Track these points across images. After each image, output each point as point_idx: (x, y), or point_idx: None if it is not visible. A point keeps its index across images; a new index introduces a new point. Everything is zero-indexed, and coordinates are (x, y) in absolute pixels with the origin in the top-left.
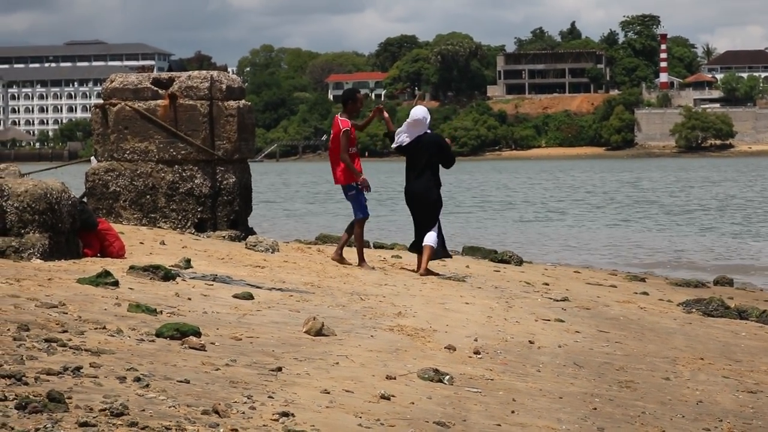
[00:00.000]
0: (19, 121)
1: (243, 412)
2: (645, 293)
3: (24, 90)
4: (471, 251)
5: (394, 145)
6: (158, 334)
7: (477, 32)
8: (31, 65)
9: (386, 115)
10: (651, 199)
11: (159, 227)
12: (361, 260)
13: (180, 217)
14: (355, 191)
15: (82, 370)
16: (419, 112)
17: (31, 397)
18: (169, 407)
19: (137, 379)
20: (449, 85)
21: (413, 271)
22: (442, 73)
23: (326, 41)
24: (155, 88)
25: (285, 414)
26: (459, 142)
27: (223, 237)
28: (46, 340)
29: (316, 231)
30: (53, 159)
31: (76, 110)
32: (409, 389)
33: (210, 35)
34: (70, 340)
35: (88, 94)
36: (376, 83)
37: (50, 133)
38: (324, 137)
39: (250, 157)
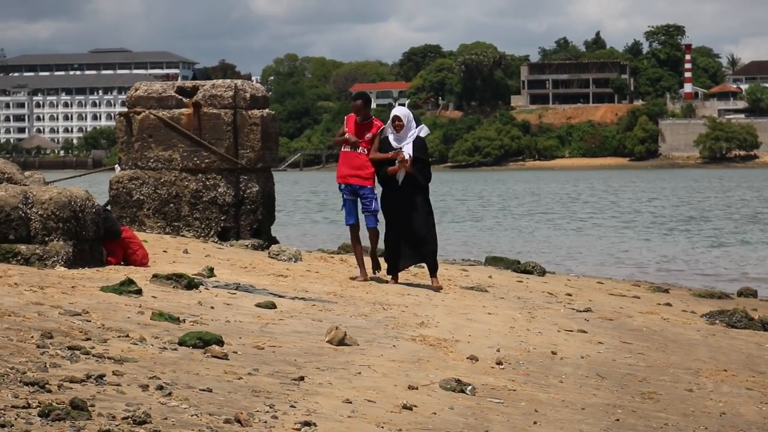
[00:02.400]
0: (43, 129)
1: (265, 422)
2: (668, 304)
3: (49, 98)
4: (494, 261)
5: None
6: (181, 343)
7: (501, 42)
8: (56, 73)
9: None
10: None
11: (182, 236)
12: (362, 269)
13: (203, 226)
14: (340, 192)
15: (105, 378)
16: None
17: (54, 404)
18: (192, 416)
19: (160, 388)
20: (473, 95)
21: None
22: (465, 83)
23: (350, 50)
24: (179, 97)
25: (307, 423)
26: (482, 152)
27: (246, 246)
28: (70, 348)
29: (339, 240)
30: (77, 167)
31: (100, 118)
32: (431, 399)
33: (234, 44)
34: (93, 348)
35: (112, 102)
36: (399, 93)
37: (75, 141)
38: None
39: (274, 166)
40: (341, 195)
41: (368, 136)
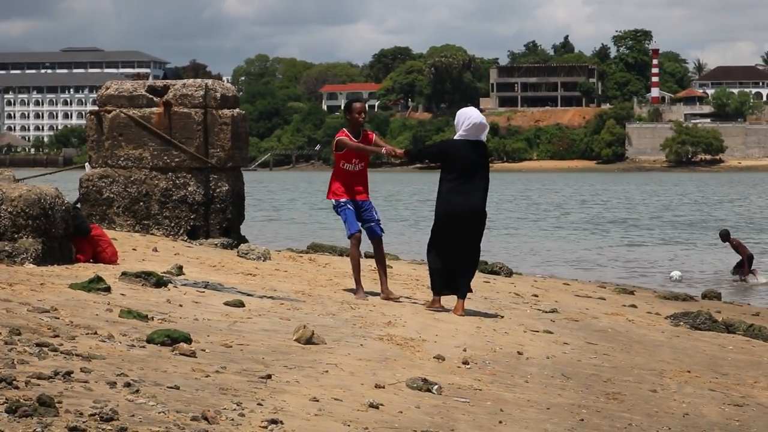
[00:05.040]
0: (14, 127)
1: (232, 419)
2: (633, 306)
3: (20, 96)
4: None
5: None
6: (149, 340)
7: (470, 45)
8: (28, 71)
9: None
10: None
11: (152, 234)
12: (357, 287)
13: (173, 224)
14: (337, 207)
15: (72, 375)
16: (477, 113)
17: (21, 401)
18: (159, 413)
19: (127, 385)
20: (442, 97)
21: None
22: (435, 85)
23: (319, 52)
24: (150, 96)
25: (274, 421)
26: None
27: (215, 244)
28: (38, 345)
29: (308, 240)
30: (48, 165)
31: (71, 117)
32: (397, 398)
33: (205, 44)
34: (62, 344)
35: (83, 100)
36: (369, 94)
37: (45, 139)
38: (318, 147)
39: (244, 166)
40: (339, 209)
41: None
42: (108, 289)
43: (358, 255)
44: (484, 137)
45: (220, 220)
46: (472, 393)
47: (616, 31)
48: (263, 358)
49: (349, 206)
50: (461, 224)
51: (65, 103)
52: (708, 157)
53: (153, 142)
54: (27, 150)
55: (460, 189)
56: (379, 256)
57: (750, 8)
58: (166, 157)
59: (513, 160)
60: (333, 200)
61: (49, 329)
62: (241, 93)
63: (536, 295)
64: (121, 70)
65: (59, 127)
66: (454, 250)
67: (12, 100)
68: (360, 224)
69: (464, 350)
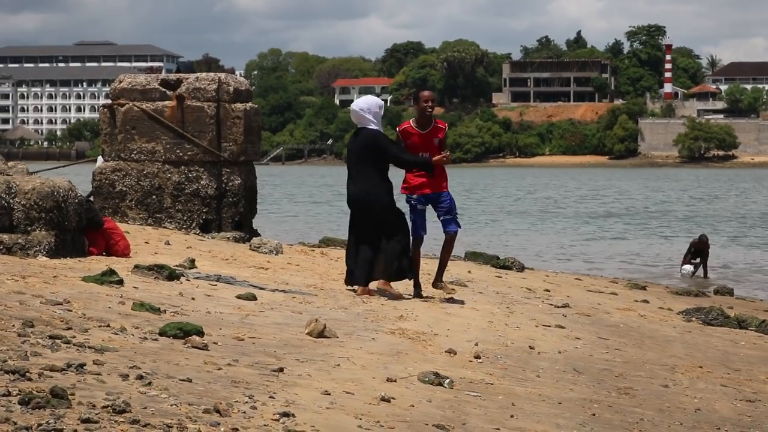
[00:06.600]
0: (27, 120)
1: (244, 412)
2: (645, 301)
3: (33, 89)
4: (473, 257)
5: None
6: (161, 333)
7: (483, 40)
8: (41, 65)
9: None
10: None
11: (164, 227)
12: (415, 286)
13: (185, 218)
14: (409, 206)
15: (85, 367)
16: (359, 100)
17: (34, 392)
18: (171, 405)
19: (140, 377)
20: (455, 92)
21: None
22: (447, 80)
23: (331, 46)
24: (163, 89)
25: (286, 414)
26: (463, 149)
27: (228, 238)
28: (51, 337)
29: (320, 234)
30: (61, 158)
31: (84, 110)
32: (409, 392)
33: (218, 38)
34: (74, 337)
35: (96, 94)
36: (382, 89)
37: (58, 133)
38: (330, 141)
39: (256, 160)
40: (409, 207)
41: (436, 141)
42: (121, 282)
43: (418, 256)
44: (374, 126)
45: (232, 214)
46: (483, 387)
47: (630, 27)
48: (275, 352)
49: (419, 205)
50: (358, 213)
51: (78, 96)
52: (721, 153)
53: (166, 136)
54: (40, 143)
55: (350, 179)
56: (444, 253)
57: (763, 4)
58: (178, 151)
59: (525, 155)
60: (405, 195)
61: (62, 321)
62: (253, 87)
63: (548, 290)
64: (134, 64)
65: (72, 121)
66: (365, 241)
67: (25, 94)
68: (438, 215)
69: (476, 344)
